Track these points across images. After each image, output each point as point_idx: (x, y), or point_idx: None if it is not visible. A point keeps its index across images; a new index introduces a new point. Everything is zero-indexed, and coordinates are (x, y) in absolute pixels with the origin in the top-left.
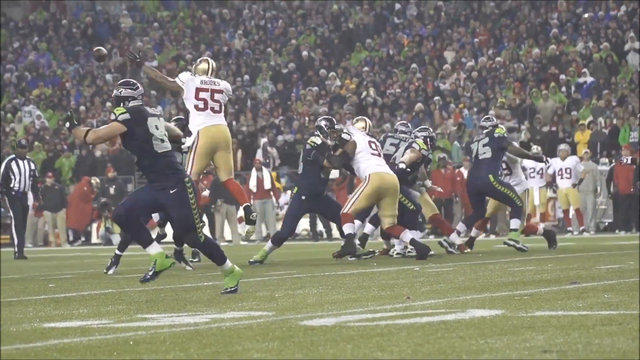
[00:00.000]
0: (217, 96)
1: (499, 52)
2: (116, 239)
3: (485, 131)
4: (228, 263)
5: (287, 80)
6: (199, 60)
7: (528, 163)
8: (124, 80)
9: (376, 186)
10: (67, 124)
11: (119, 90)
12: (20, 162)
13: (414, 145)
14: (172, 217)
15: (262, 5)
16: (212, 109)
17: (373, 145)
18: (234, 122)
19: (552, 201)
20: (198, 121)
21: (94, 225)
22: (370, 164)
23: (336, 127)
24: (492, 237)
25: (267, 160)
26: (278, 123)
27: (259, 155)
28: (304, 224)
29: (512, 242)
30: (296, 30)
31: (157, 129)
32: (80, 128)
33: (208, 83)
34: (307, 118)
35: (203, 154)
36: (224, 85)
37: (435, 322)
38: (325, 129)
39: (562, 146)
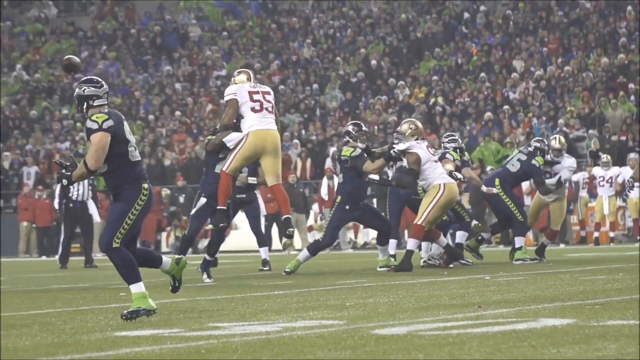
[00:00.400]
0: (268, 97)
1: (568, 61)
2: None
3: (529, 149)
4: (167, 262)
5: (356, 89)
6: (236, 72)
7: (597, 171)
8: (87, 77)
9: (452, 197)
10: (65, 181)
11: (82, 89)
12: None
13: (447, 156)
14: (110, 208)
15: (331, 15)
16: (267, 110)
17: (432, 150)
18: (302, 131)
19: (622, 210)
20: (251, 122)
21: (164, 234)
22: (438, 174)
23: (362, 129)
24: (562, 246)
25: (337, 169)
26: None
27: (328, 163)
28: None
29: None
30: (365, 40)
31: (131, 134)
32: (76, 170)
33: (257, 86)
34: (376, 127)
35: (247, 155)
36: (268, 88)
37: (506, 331)
38: (354, 132)
39: (632, 155)
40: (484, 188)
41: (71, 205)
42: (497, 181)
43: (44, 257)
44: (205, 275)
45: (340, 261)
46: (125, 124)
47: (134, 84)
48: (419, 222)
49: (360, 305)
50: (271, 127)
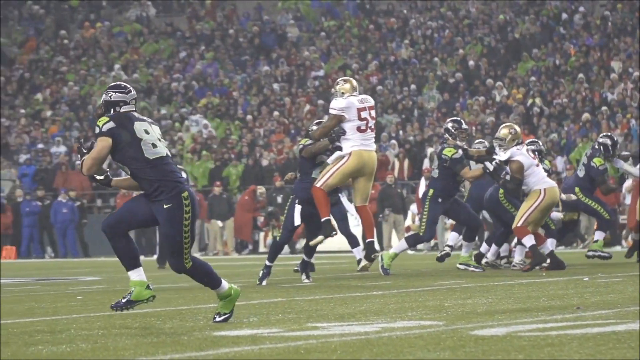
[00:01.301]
0: (372, 113)
1: None
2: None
3: (595, 147)
4: (224, 285)
5: (453, 89)
6: (341, 81)
7: None
8: (115, 83)
9: (552, 201)
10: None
11: (109, 95)
12: None
13: None
14: (160, 232)
15: (429, 15)
16: (371, 128)
17: (531, 154)
18: (400, 132)
19: None
20: (355, 142)
21: (261, 234)
22: (540, 178)
23: (462, 127)
24: None
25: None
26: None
27: (426, 164)
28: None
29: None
30: (463, 40)
31: (147, 133)
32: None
33: (364, 101)
34: (473, 128)
35: (347, 174)
36: (371, 100)
37: (606, 332)
38: (453, 130)
39: None
40: (563, 196)
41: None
42: (577, 189)
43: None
44: (304, 276)
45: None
46: (140, 123)
47: (232, 84)
48: (519, 225)
49: (459, 306)
50: (372, 149)
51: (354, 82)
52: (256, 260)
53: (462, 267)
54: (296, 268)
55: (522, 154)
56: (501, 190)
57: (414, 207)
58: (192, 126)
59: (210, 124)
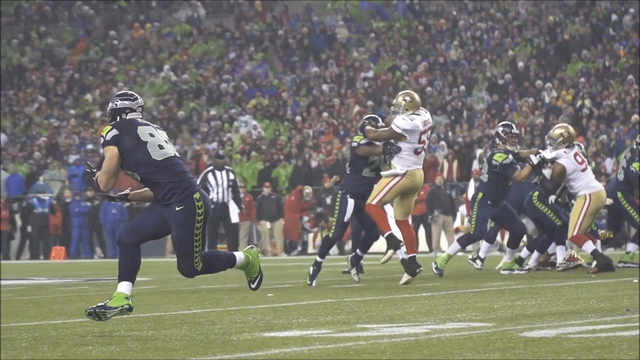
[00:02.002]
0: (430, 134)
1: None
2: (332, 249)
3: (634, 148)
4: (239, 257)
5: (503, 91)
6: (406, 96)
7: None
8: (121, 92)
9: (599, 204)
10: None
11: (115, 103)
12: (217, 173)
13: None
14: (172, 235)
15: (478, 16)
16: (425, 150)
17: (579, 158)
18: (449, 133)
19: None
20: (410, 163)
21: (310, 235)
22: (585, 183)
23: (512, 131)
24: None
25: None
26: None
27: (475, 165)
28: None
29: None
30: (512, 41)
31: (152, 136)
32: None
33: (426, 123)
34: (523, 129)
35: (400, 192)
36: (431, 120)
37: None
38: (503, 134)
39: None
40: (608, 200)
41: (212, 206)
42: (619, 194)
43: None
44: (354, 270)
45: (486, 263)
46: (145, 127)
47: (281, 85)
48: (574, 234)
49: (508, 308)
50: (421, 166)
51: (418, 99)
52: (305, 261)
53: (505, 272)
54: (345, 270)
55: (567, 158)
56: (536, 193)
57: (462, 209)
58: (242, 127)
59: (260, 124)
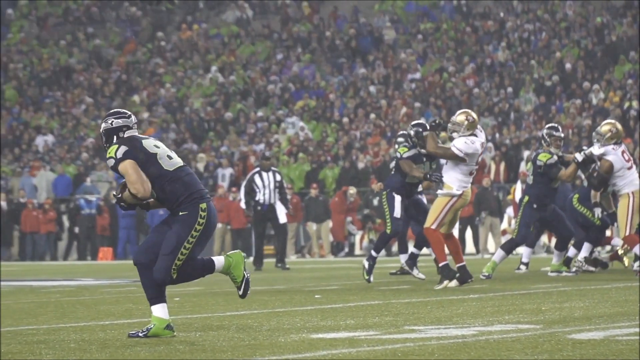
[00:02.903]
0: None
1: None
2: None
3: None
4: (219, 262)
5: (550, 92)
6: (469, 116)
7: None
8: (113, 110)
9: None
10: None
11: (109, 122)
12: (264, 174)
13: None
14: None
15: (526, 18)
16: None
17: (626, 156)
18: (496, 134)
19: None
20: (466, 182)
21: (357, 237)
22: (629, 181)
23: (556, 134)
24: None
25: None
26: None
27: (522, 167)
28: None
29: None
30: (560, 43)
31: (158, 147)
32: (124, 194)
33: (484, 144)
34: (570, 131)
35: (455, 212)
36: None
37: None
38: (547, 137)
39: None
40: None
41: (259, 208)
42: None
43: None
44: (416, 271)
45: (533, 265)
46: (148, 140)
47: (328, 87)
48: (627, 234)
49: (556, 310)
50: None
51: (477, 118)
52: (352, 263)
53: (553, 274)
54: (393, 272)
55: (615, 155)
56: (576, 195)
57: (510, 210)
58: (289, 128)
59: (307, 126)
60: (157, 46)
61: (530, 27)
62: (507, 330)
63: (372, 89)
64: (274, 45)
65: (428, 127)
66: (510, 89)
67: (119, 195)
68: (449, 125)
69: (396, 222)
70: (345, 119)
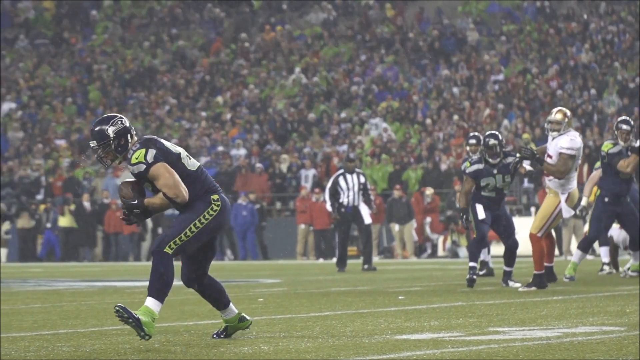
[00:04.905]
0: None
1: None
2: (462, 252)
3: None
4: (232, 310)
5: (634, 94)
6: (567, 113)
7: None
8: (103, 117)
9: None
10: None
11: (117, 123)
12: (348, 176)
13: None
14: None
15: (609, 19)
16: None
17: None
18: (580, 137)
19: None
20: (573, 183)
21: (440, 238)
22: None
23: (624, 127)
24: None
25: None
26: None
27: None
28: None
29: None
30: None
31: (175, 146)
32: (150, 199)
33: (578, 147)
34: None
35: (561, 217)
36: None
37: None
38: (615, 129)
39: None
40: None
41: (343, 210)
42: None
43: (321, 260)
44: (511, 283)
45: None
46: (164, 140)
47: (412, 88)
48: None
49: None
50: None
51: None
52: (434, 264)
53: (634, 274)
54: (481, 272)
55: None
56: None
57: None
58: (372, 129)
59: (390, 127)
60: (241, 47)
61: (614, 28)
62: (591, 332)
63: (455, 90)
64: (357, 46)
65: (523, 155)
66: (593, 91)
67: (136, 202)
68: (546, 125)
69: (479, 227)
70: (428, 121)
